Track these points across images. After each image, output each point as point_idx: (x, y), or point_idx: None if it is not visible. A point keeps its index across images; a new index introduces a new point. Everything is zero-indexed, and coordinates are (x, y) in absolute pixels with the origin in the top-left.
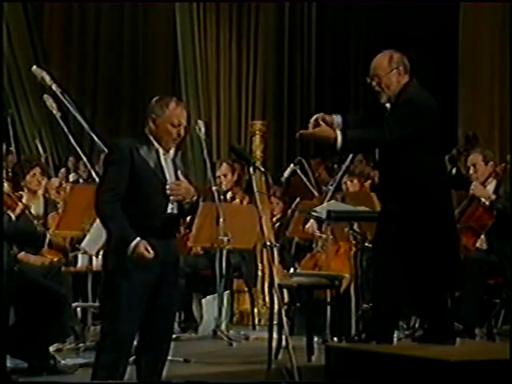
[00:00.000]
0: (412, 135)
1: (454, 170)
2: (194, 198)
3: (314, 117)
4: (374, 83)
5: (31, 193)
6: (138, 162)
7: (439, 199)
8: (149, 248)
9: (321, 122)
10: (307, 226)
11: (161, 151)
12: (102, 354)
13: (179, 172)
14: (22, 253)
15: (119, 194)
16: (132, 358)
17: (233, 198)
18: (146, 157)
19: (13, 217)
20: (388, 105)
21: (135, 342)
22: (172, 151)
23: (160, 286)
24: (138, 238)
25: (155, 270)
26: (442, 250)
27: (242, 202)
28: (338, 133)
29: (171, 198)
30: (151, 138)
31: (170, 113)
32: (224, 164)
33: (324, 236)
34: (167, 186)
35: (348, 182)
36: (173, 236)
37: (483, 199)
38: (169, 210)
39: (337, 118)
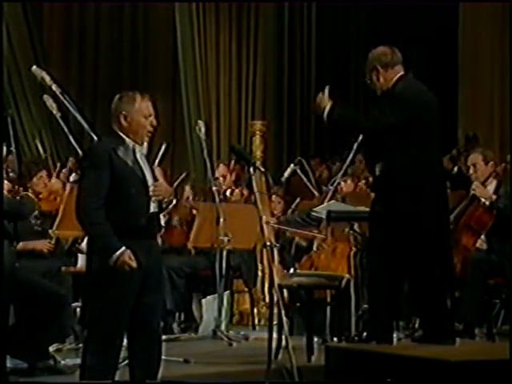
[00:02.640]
0: (399, 129)
1: (455, 169)
2: (172, 197)
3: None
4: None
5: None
6: (117, 163)
7: (430, 198)
8: (132, 257)
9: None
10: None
11: (137, 149)
12: (88, 355)
13: (156, 171)
14: (21, 243)
15: (101, 199)
16: (125, 362)
17: (230, 194)
18: (124, 157)
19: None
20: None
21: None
22: (145, 146)
23: (145, 286)
24: (123, 248)
25: (139, 271)
26: (432, 249)
27: (243, 195)
28: (329, 103)
29: (153, 198)
30: (124, 136)
31: (139, 105)
32: (221, 165)
33: (319, 236)
34: (150, 188)
35: (342, 183)
36: (154, 236)
37: (483, 199)
38: (151, 209)
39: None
